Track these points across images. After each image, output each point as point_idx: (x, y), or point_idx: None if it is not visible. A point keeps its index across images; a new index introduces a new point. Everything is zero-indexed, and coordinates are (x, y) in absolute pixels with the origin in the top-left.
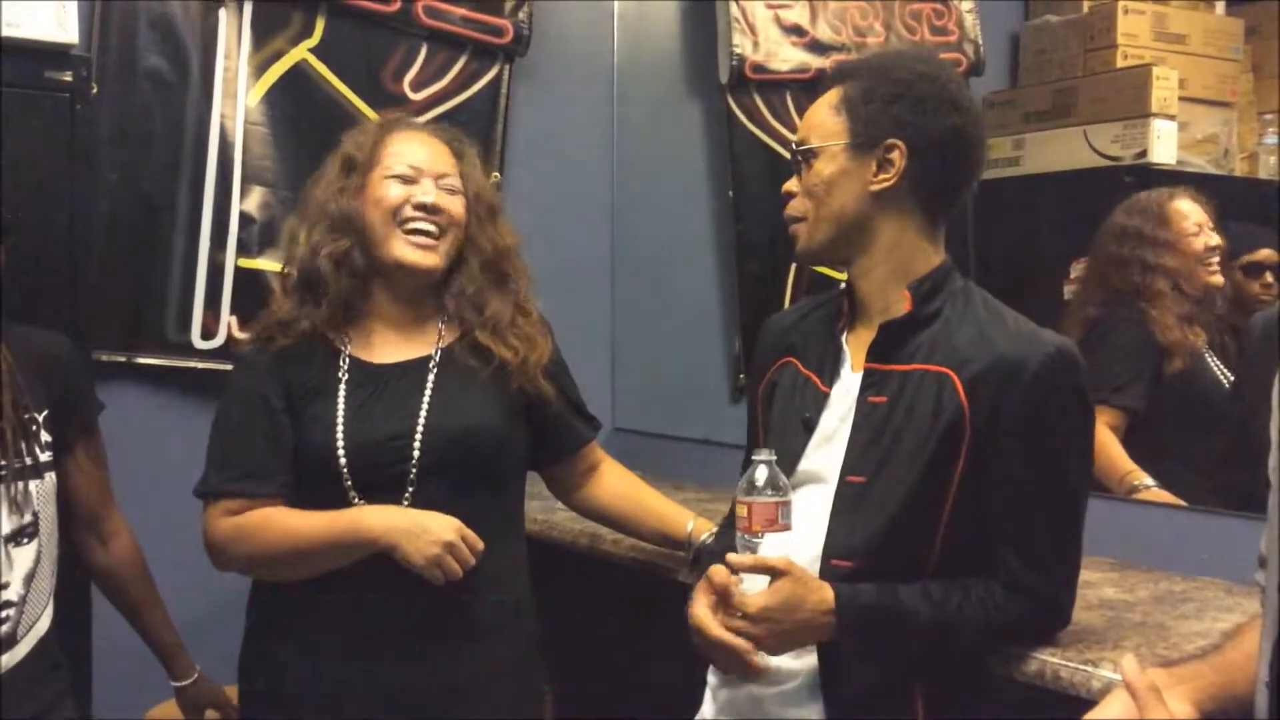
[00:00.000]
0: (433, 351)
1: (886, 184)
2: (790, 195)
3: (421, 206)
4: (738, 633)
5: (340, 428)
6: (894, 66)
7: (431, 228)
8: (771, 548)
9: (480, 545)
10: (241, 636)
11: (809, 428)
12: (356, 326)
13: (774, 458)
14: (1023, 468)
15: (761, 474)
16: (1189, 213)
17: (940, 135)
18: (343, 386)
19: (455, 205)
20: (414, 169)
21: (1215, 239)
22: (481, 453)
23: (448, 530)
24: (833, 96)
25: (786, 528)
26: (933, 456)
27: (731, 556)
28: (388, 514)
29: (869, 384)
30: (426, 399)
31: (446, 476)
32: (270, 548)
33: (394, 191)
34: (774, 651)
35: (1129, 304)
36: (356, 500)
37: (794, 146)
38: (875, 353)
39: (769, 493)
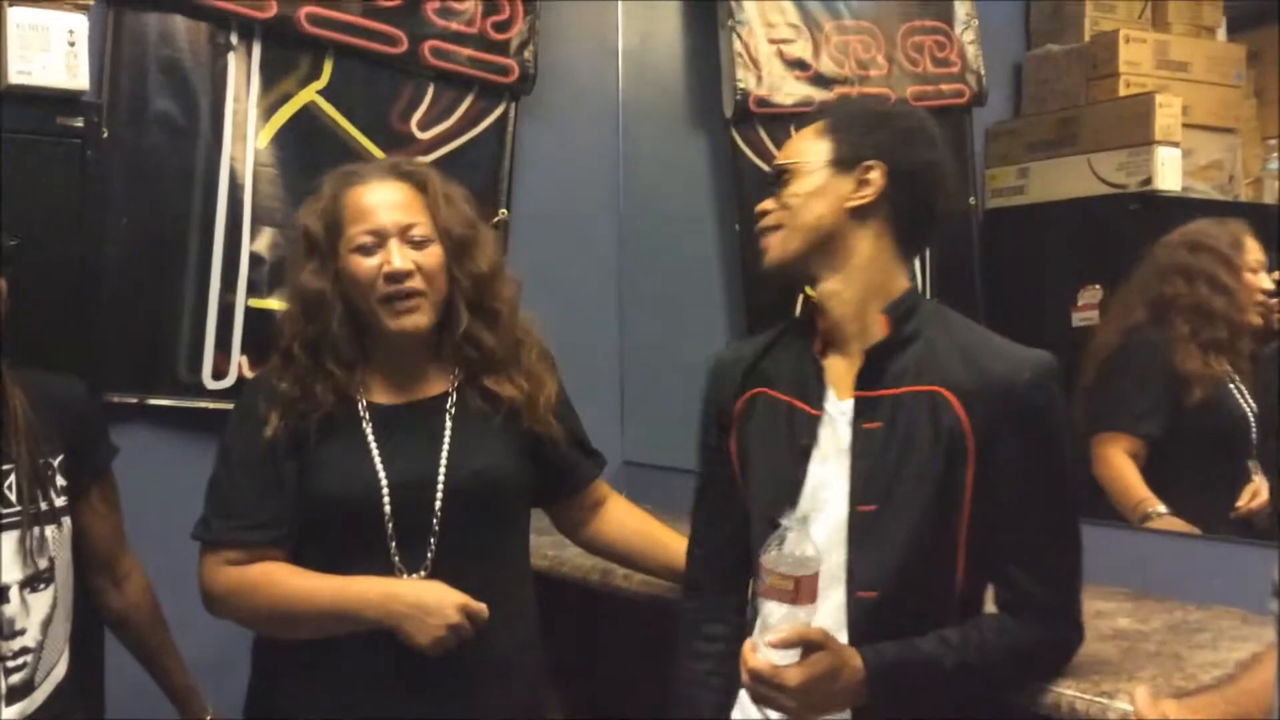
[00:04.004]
0: (449, 390)
1: (864, 201)
2: (765, 214)
3: (393, 276)
4: (774, 704)
5: (381, 472)
6: (875, 104)
7: (409, 291)
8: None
9: (485, 614)
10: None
11: (806, 453)
12: (363, 371)
13: (805, 523)
14: (1026, 482)
15: (805, 545)
16: (1250, 250)
17: (917, 164)
18: (370, 432)
19: (428, 257)
20: (376, 234)
21: (1268, 281)
22: (500, 494)
23: (451, 611)
24: (814, 126)
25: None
26: (940, 476)
27: (772, 632)
28: (392, 590)
29: (861, 411)
30: (447, 441)
31: (468, 519)
32: (270, 607)
33: (363, 267)
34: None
35: (1151, 331)
36: (393, 545)
37: (772, 167)
38: (862, 380)
39: (811, 564)
